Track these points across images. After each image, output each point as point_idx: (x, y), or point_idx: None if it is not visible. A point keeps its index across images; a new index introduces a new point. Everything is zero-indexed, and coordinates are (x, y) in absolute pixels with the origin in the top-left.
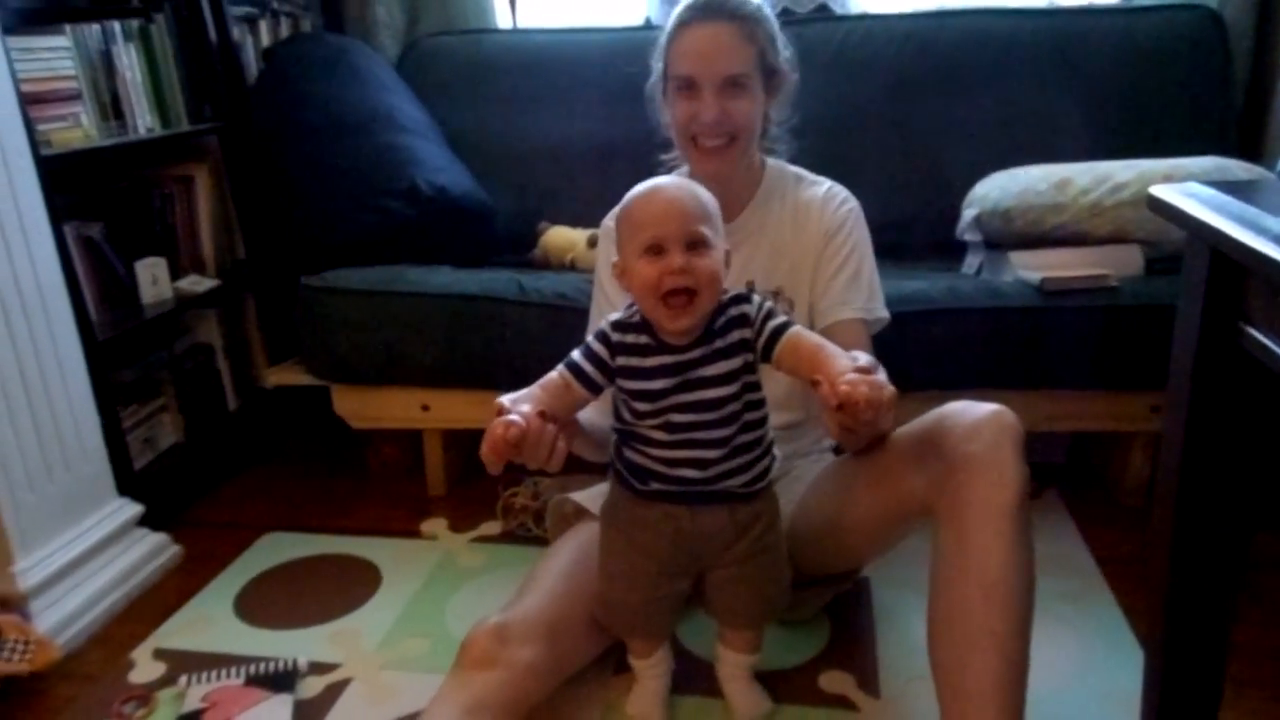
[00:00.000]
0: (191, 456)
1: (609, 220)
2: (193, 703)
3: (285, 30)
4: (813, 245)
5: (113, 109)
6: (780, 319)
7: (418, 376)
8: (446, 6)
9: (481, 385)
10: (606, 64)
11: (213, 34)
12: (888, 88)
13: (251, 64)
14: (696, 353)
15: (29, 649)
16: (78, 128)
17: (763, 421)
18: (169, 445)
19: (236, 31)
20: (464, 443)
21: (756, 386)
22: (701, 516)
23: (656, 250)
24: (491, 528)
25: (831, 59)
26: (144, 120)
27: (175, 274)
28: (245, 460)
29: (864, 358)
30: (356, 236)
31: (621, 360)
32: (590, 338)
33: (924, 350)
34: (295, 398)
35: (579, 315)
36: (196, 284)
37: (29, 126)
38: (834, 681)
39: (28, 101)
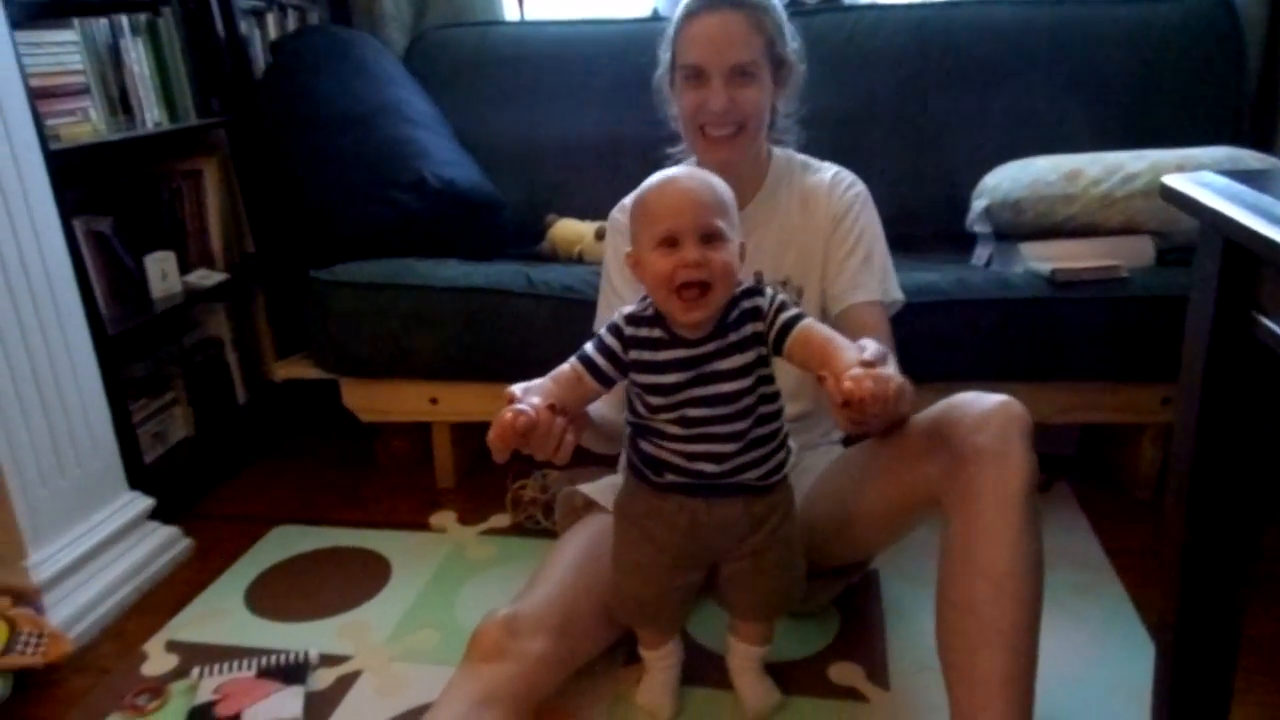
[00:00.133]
0: (202, 450)
1: (617, 213)
2: (205, 695)
3: (292, 23)
4: (820, 231)
5: (121, 103)
6: (792, 311)
7: (426, 369)
8: None
9: (490, 378)
10: (614, 56)
11: (220, 27)
12: (897, 79)
13: (259, 57)
14: (710, 346)
15: (42, 642)
16: (86, 122)
17: (778, 414)
18: (179, 439)
19: (244, 25)
20: (473, 436)
21: (771, 379)
22: (717, 509)
23: (671, 242)
24: (500, 520)
25: (840, 50)
26: (152, 114)
27: (184, 268)
28: (255, 453)
29: (872, 349)
30: (365, 230)
31: (634, 354)
32: (603, 330)
33: (934, 342)
34: (304, 391)
35: (587, 308)
36: (205, 278)
37: (38, 121)
38: (844, 673)
39: (36, 96)
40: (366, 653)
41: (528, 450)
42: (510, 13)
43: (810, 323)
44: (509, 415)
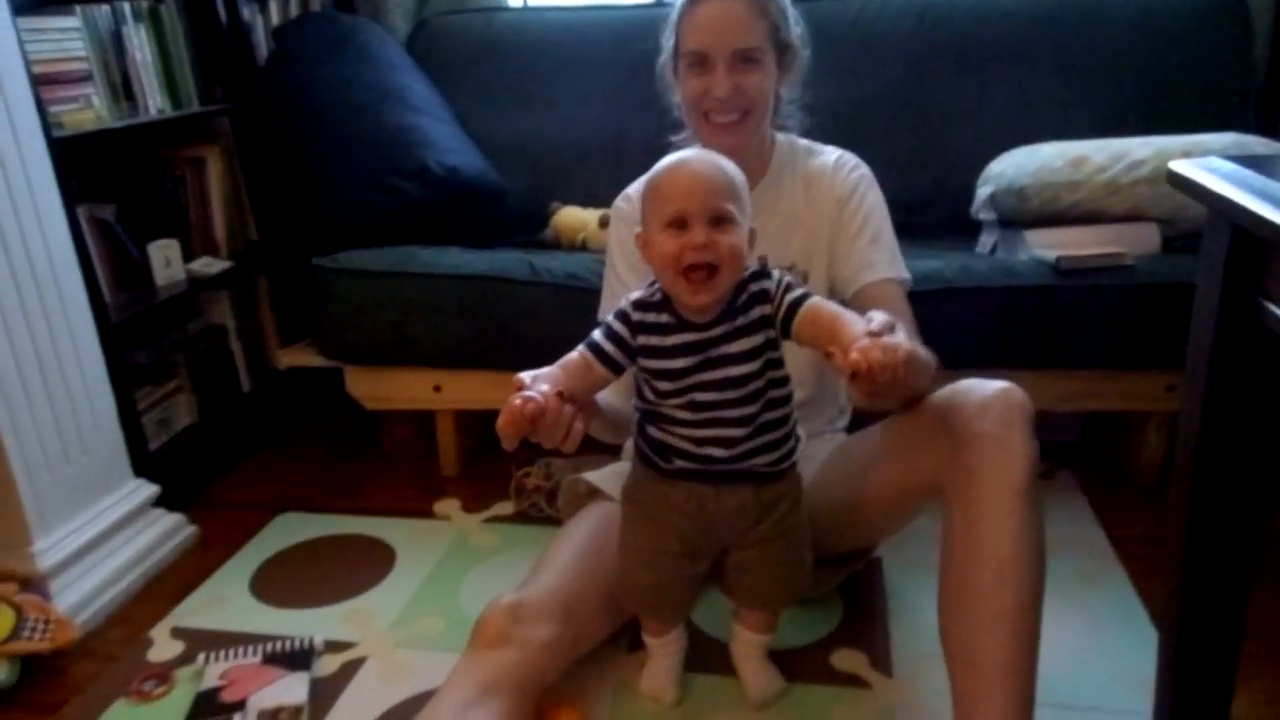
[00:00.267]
0: (206, 437)
1: (621, 201)
2: (211, 680)
3: (295, 10)
4: (826, 213)
5: (124, 90)
6: (798, 291)
7: (429, 357)
8: None
9: (493, 366)
10: (618, 43)
11: (222, 14)
12: (901, 65)
13: (262, 44)
14: (718, 330)
15: (49, 628)
16: (89, 109)
17: (787, 399)
18: (184, 426)
19: (246, 11)
20: (476, 423)
21: (780, 364)
22: (726, 496)
23: (680, 224)
24: (504, 508)
25: (844, 36)
26: (155, 101)
27: (188, 256)
28: (259, 441)
29: (879, 319)
30: (368, 217)
31: (643, 339)
32: (610, 317)
33: (938, 330)
34: (308, 379)
35: (590, 295)
36: (209, 266)
37: (41, 108)
38: (846, 660)
39: (39, 83)
40: (371, 639)
41: (536, 438)
42: None
43: (817, 300)
44: (518, 402)
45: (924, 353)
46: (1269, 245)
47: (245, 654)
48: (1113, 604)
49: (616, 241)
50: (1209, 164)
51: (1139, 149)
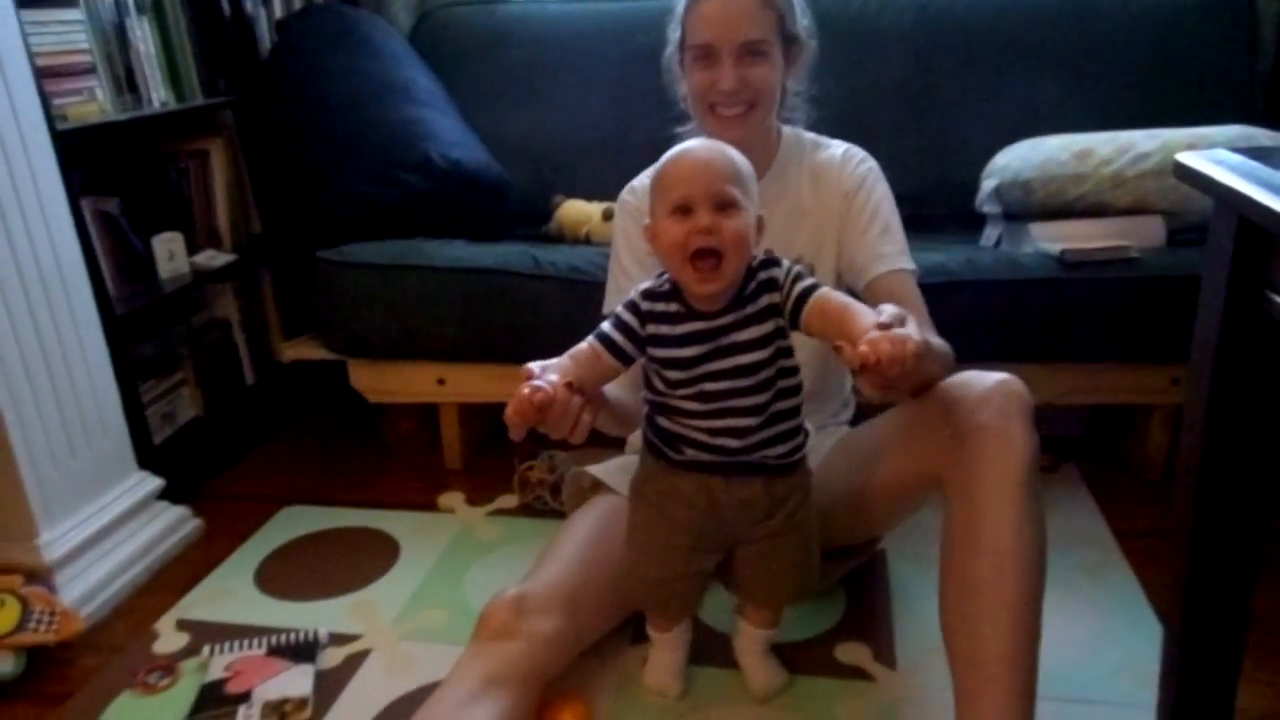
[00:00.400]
0: (210, 430)
1: (626, 194)
2: (216, 672)
3: (298, 2)
4: (833, 206)
5: (127, 83)
6: (808, 281)
7: (433, 350)
8: None
9: (497, 359)
10: (622, 35)
11: (226, 6)
12: (905, 57)
13: (265, 36)
14: (728, 318)
15: (55, 620)
16: (93, 102)
17: (798, 389)
18: (188, 419)
19: (249, 4)
20: (480, 416)
21: (790, 352)
22: (737, 488)
23: (684, 210)
24: (508, 501)
25: (847, 29)
26: (158, 94)
27: (192, 249)
28: (263, 434)
29: (889, 311)
30: (371, 210)
31: (652, 328)
32: (619, 308)
33: (942, 323)
34: (312, 372)
35: (594, 288)
36: (213, 259)
37: (44, 101)
38: (850, 653)
39: (42, 75)
40: (375, 632)
41: (544, 428)
42: None
43: (826, 291)
44: (527, 391)
45: (938, 342)
46: (1275, 237)
47: (250, 646)
48: (1117, 597)
49: (621, 234)
50: (1215, 156)
51: (1144, 142)
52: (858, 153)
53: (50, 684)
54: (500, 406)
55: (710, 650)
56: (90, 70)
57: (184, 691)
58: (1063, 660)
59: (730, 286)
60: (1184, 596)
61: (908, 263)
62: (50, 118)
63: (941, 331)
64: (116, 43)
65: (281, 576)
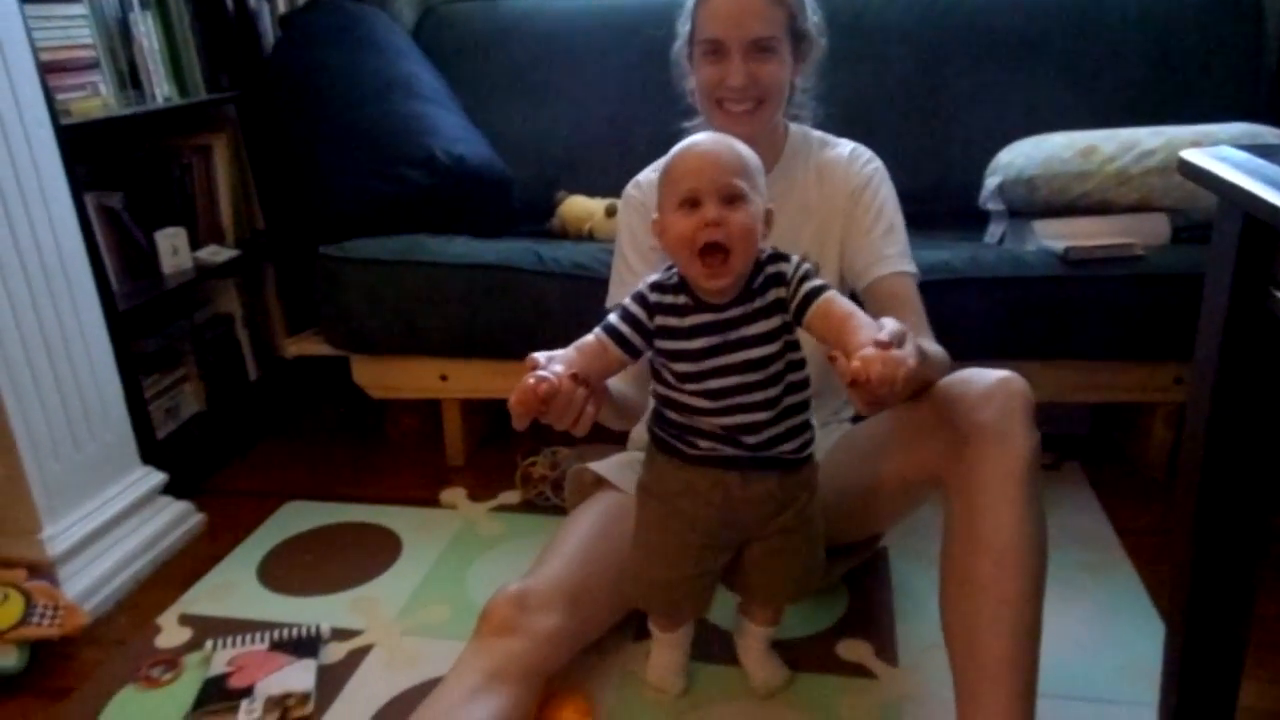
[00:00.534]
0: (213, 426)
1: (631, 188)
2: (219, 667)
3: None
4: (839, 205)
5: (130, 78)
6: (816, 282)
7: (436, 346)
8: None
9: (499, 355)
10: (626, 30)
11: (229, 2)
12: (909, 53)
13: (268, 32)
14: (736, 311)
15: (58, 614)
16: (96, 97)
17: (806, 383)
18: (191, 414)
19: None
20: (482, 412)
21: (797, 346)
22: (753, 483)
23: (692, 203)
24: (510, 497)
25: (852, 25)
26: (162, 89)
27: (195, 244)
28: (266, 429)
29: (890, 329)
30: (374, 206)
31: (660, 320)
32: (627, 300)
33: (945, 320)
34: (315, 367)
35: (597, 285)
36: (216, 254)
37: (48, 96)
38: (852, 650)
39: (46, 70)
40: (378, 627)
41: (547, 419)
42: None
43: (833, 295)
44: (531, 382)
45: (935, 349)
46: None
47: (253, 641)
48: (1119, 595)
49: (625, 228)
50: (1220, 153)
51: (1149, 139)
52: (864, 152)
53: (53, 678)
54: (503, 402)
55: (712, 647)
56: (94, 65)
57: (186, 686)
58: (1064, 658)
59: (738, 280)
60: (1186, 595)
61: (909, 265)
62: (54, 113)
63: (944, 328)
64: (120, 38)
65: (284, 571)
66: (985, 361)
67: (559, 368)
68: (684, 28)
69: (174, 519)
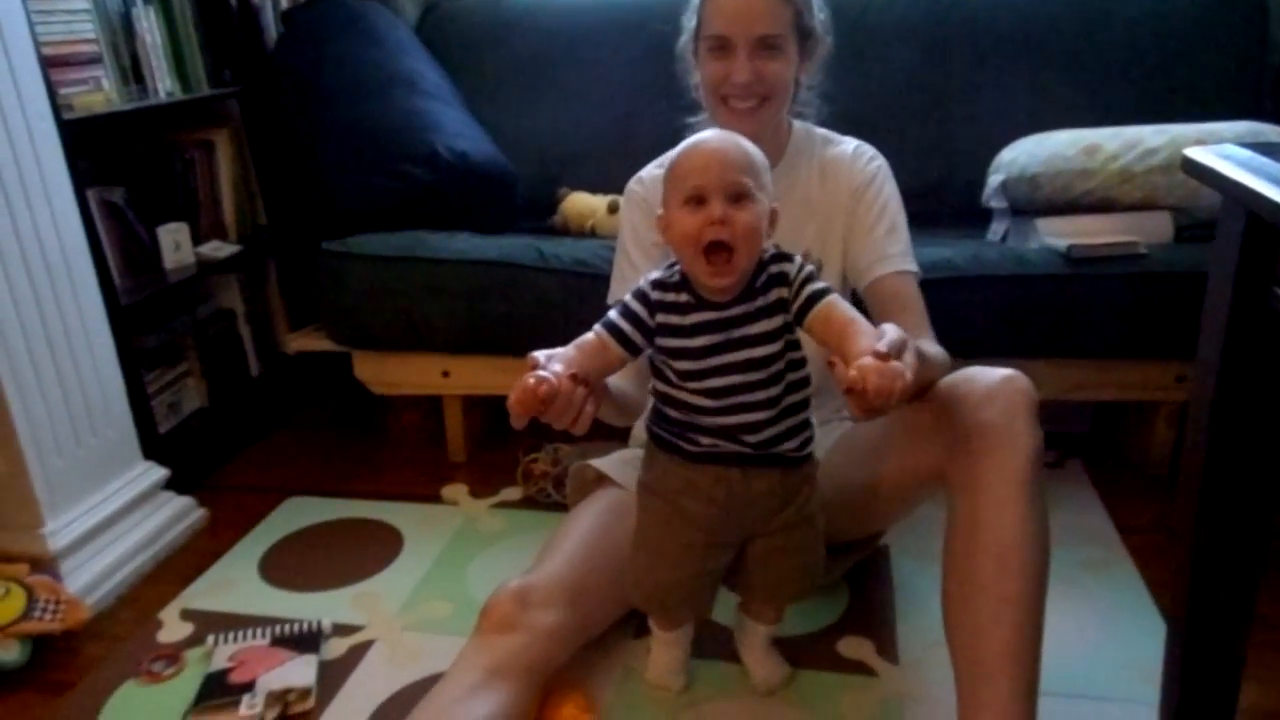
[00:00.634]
0: (215, 421)
1: (634, 184)
2: (220, 662)
3: None
4: (841, 203)
5: (133, 72)
6: (818, 285)
7: (438, 342)
8: None
9: (501, 351)
10: (628, 27)
11: None
12: (913, 51)
13: (271, 27)
14: (738, 310)
15: (60, 608)
16: (99, 91)
17: (807, 382)
18: (193, 410)
19: None
20: (484, 409)
21: (797, 345)
22: (755, 479)
23: (698, 200)
24: (512, 493)
25: (856, 23)
26: (164, 84)
27: (197, 239)
28: (268, 425)
29: (890, 338)
30: (377, 202)
31: (661, 318)
32: (628, 297)
33: (948, 318)
34: (316, 363)
35: (599, 281)
36: (218, 249)
37: (50, 90)
38: (853, 647)
39: (48, 64)
40: (379, 623)
41: (546, 418)
42: None
43: (835, 299)
44: (531, 381)
45: (936, 351)
46: None
47: (254, 636)
48: (1121, 594)
49: (628, 225)
50: (1224, 151)
51: (1152, 137)
52: (868, 150)
53: (55, 672)
54: (505, 398)
55: (712, 644)
56: (96, 60)
57: (188, 681)
58: (1065, 656)
59: (741, 278)
60: (1188, 593)
61: (911, 264)
62: (56, 107)
63: (947, 326)
64: (122, 32)
65: (285, 567)
66: (988, 360)
67: (558, 367)
68: (690, 22)
69: (175, 514)
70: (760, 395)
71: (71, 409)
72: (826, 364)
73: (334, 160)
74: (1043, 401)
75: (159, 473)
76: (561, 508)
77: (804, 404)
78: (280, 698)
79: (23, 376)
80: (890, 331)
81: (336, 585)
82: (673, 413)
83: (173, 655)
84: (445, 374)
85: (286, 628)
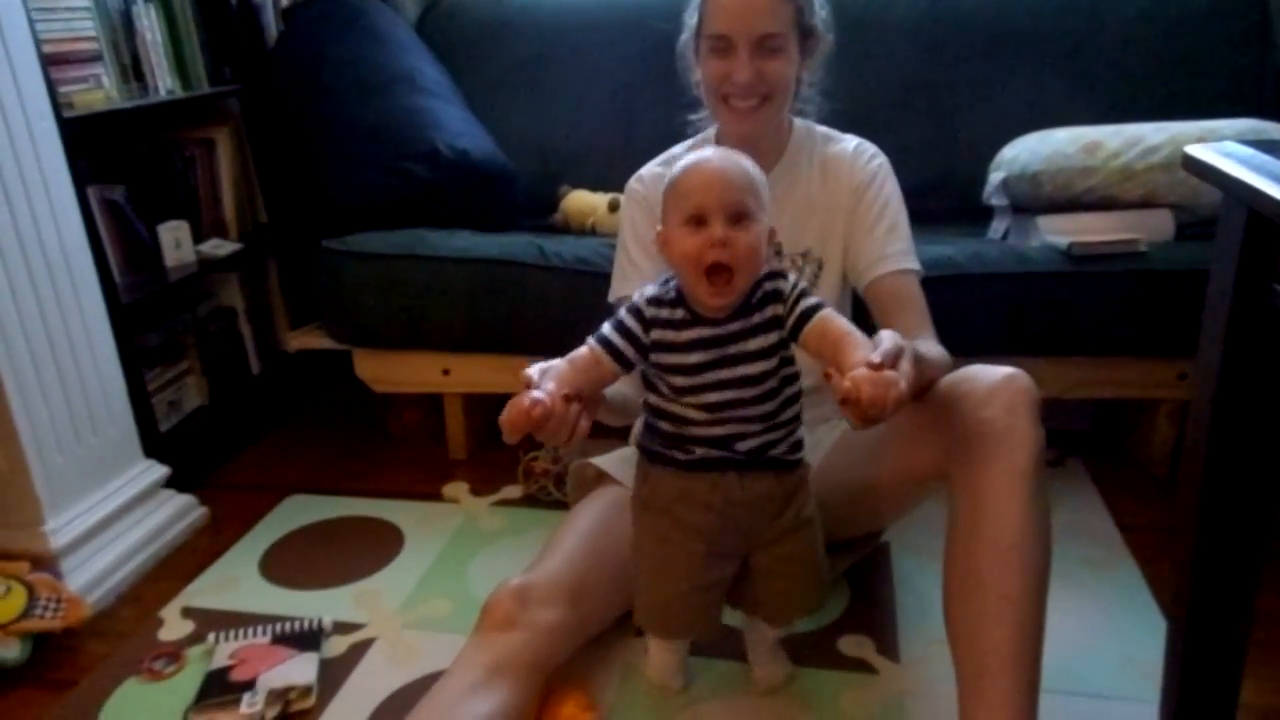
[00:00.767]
0: (216, 419)
1: (634, 183)
2: (221, 660)
3: None
4: (842, 201)
5: (133, 70)
6: (812, 300)
7: (438, 340)
8: None
9: (502, 349)
10: (629, 25)
11: None
12: (914, 48)
13: (271, 25)
14: (734, 326)
15: (61, 606)
16: (99, 89)
17: (799, 395)
18: (194, 408)
19: None
20: (485, 407)
21: (792, 360)
22: (751, 483)
23: (699, 220)
24: (512, 491)
25: (857, 20)
26: (164, 82)
27: (197, 238)
28: (269, 423)
29: (885, 347)
30: (377, 200)
31: (656, 334)
32: (622, 311)
33: (949, 316)
34: (317, 361)
35: (599, 279)
36: (219, 247)
37: (51, 88)
38: (854, 645)
39: (49, 62)
40: (379, 621)
41: (540, 436)
42: None
43: (829, 313)
44: (526, 404)
45: (935, 353)
46: None
47: (255, 634)
48: (1121, 592)
49: (629, 222)
50: (1225, 148)
51: (1153, 135)
52: (869, 148)
53: (56, 670)
54: (505, 397)
55: (714, 642)
56: (96, 57)
57: (189, 679)
58: (1066, 654)
59: (739, 296)
60: (1188, 591)
61: (912, 263)
62: (56, 105)
63: (948, 324)
64: (123, 30)
65: (286, 565)
66: (989, 358)
67: (551, 385)
68: (691, 19)
69: (176, 512)
70: (755, 410)
71: (72, 407)
72: (823, 375)
73: (335, 158)
74: (1044, 399)
75: (160, 471)
76: (562, 506)
77: (797, 415)
78: (281, 696)
79: (23, 375)
80: (885, 341)
81: (337, 583)
82: (665, 425)
83: (174, 653)
84: (446, 372)
85: (287, 626)
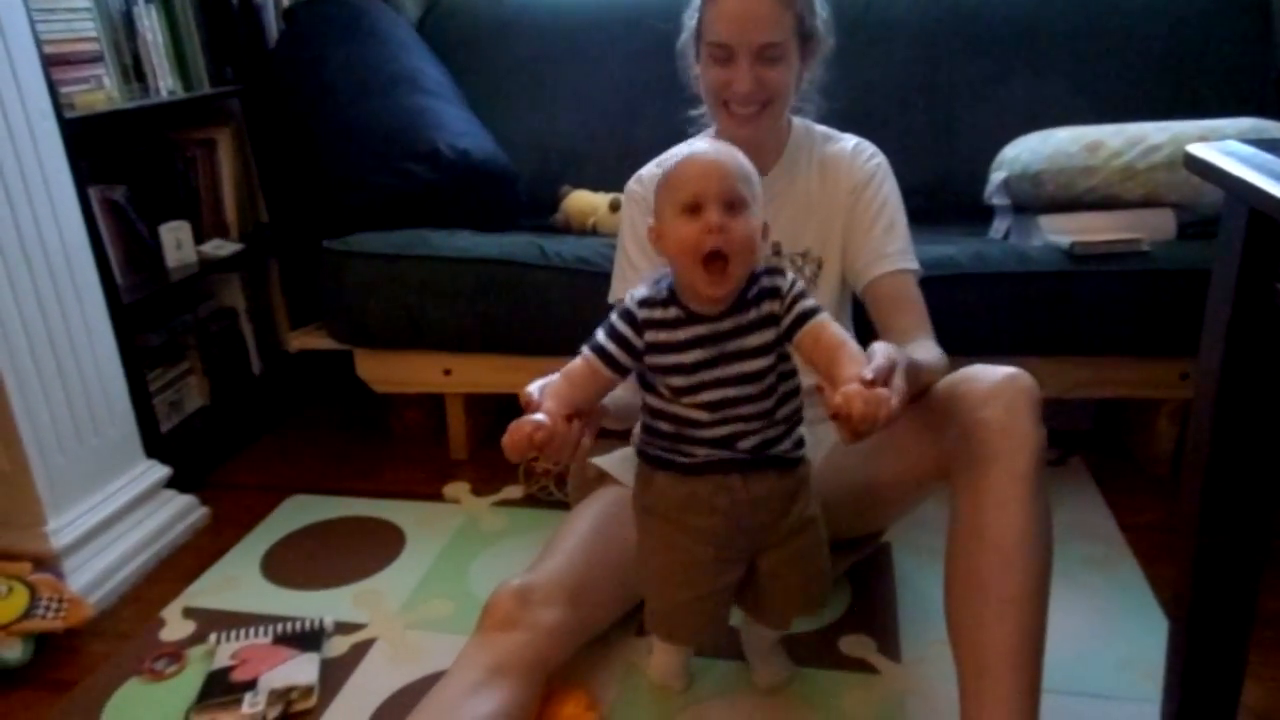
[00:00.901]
0: (217, 419)
1: (634, 183)
2: (222, 660)
3: None
4: (841, 200)
5: (134, 71)
6: (809, 303)
7: (439, 340)
8: None
9: (503, 349)
10: (630, 25)
11: None
12: (915, 48)
13: (272, 25)
14: (729, 323)
15: (62, 607)
16: (100, 90)
17: (798, 391)
18: (195, 408)
19: None
20: (486, 407)
21: (789, 357)
22: (755, 483)
23: (694, 209)
24: (513, 491)
25: (858, 19)
26: (166, 83)
27: (199, 238)
28: (270, 423)
29: (878, 362)
30: (378, 200)
31: (651, 335)
32: (614, 316)
33: (950, 316)
34: (318, 361)
35: (601, 279)
36: (220, 248)
37: (52, 88)
38: (855, 645)
39: (50, 63)
40: (381, 621)
41: (543, 457)
42: None
43: (825, 320)
44: (527, 429)
45: (931, 359)
46: None
47: (256, 634)
48: (1123, 592)
49: (628, 223)
50: (1227, 147)
51: (1155, 134)
52: (868, 147)
53: (57, 671)
54: (506, 397)
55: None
56: (98, 58)
57: (190, 679)
58: (1068, 654)
59: (735, 290)
60: (1190, 591)
61: (910, 263)
62: (58, 105)
63: (949, 324)
64: (124, 31)
65: (288, 565)
66: (990, 357)
67: (552, 405)
68: (690, 20)
69: (178, 513)
70: (754, 408)
71: (74, 407)
72: (815, 389)
73: (336, 158)
74: (1045, 399)
75: (161, 471)
76: (563, 506)
77: (796, 412)
78: (282, 696)
79: (25, 375)
80: (878, 356)
81: (338, 583)
82: (665, 427)
83: (175, 653)
84: (447, 372)
85: (288, 626)
